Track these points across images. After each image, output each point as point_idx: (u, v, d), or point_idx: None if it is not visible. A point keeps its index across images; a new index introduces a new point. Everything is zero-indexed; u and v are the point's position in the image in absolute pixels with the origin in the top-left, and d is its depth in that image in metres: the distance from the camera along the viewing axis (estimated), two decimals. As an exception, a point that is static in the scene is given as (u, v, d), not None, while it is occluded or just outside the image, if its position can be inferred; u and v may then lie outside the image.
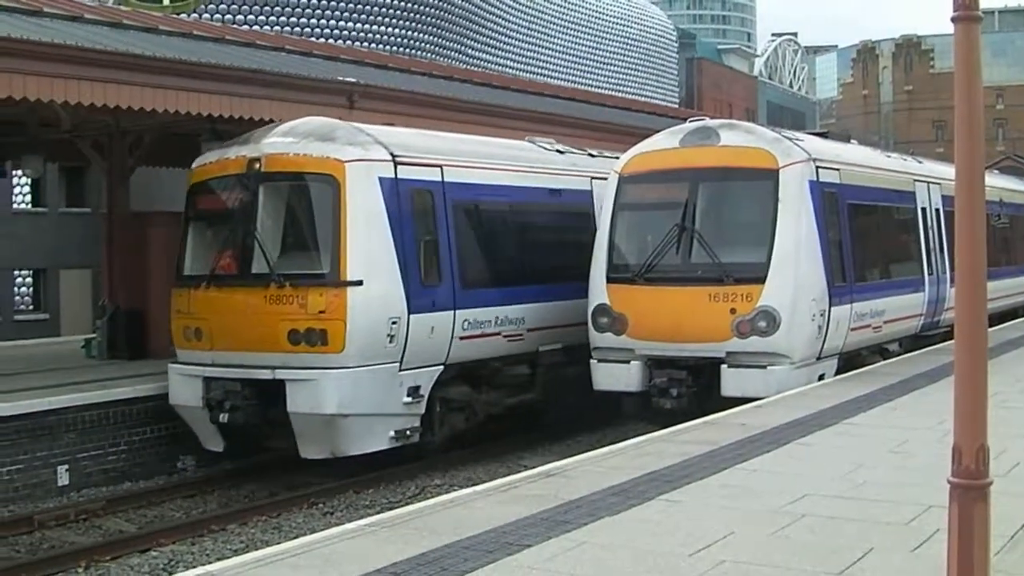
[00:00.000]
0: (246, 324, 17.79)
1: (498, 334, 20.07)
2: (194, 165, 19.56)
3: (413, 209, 18.35)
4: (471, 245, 20.00)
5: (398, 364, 17.84)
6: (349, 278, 17.29)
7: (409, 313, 17.81)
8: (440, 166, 19.17)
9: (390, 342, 17.59)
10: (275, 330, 17.43)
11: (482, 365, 20.08)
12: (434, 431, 19.12)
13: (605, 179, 21.27)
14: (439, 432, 19.27)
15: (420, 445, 18.90)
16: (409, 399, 18.15)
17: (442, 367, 18.83)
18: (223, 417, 17.87)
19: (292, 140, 18.42)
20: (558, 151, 23.18)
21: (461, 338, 19.03)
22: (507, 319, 20.24)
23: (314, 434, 17.53)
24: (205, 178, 19.25)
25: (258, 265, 17.95)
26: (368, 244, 17.58)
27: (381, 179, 17.85)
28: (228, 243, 18.70)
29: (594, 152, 24.30)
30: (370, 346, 17.43)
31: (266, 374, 17.53)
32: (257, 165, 18.18)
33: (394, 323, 17.59)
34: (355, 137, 18.26)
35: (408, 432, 18.24)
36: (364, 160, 17.84)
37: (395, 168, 18.12)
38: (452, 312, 18.81)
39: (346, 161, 17.67)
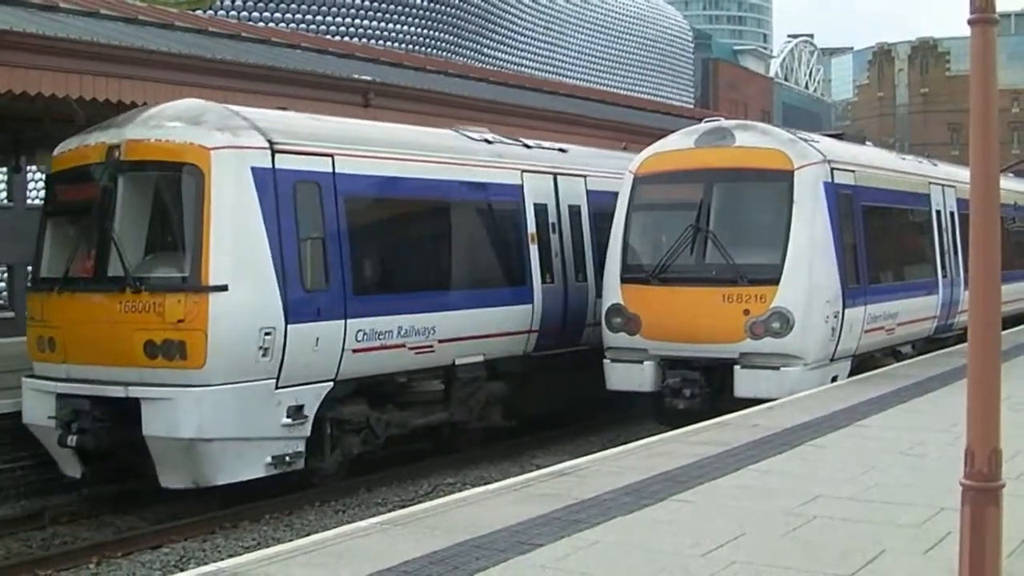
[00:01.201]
0: (100, 334, 15.70)
1: (402, 346, 17.66)
2: (55, 152, 17.51)
3: (295, 204, 16.15)
4: (368, 245, 17.70)
5: (274, 381, 15.64)
6: (211, 282, 15.11)
7: (287, 323, 15.60)
8: (331, 155, 16.97)
9: (263, 356, 15.40)
10: (130, 341, 15.30)
11: (383, 381, 17.77)
12: (324, 456, 16.95)
13: (540, 172, 21.13)
14: (331, 457, 17.08)
15: (307, 472, 16.83)
16: (289, 420, 15.90)
17: (332, 384, 16.61)
18: (71, 440, 15.64)
19: (156, 124, 16.18)
20: (486, 140, 20.87)
21: (355, 351, 16.76)
22: (413, 329, 17.83)
23: (173, 461, 15.38)
24: (63, 167, 17.18)
25: (114, 267, 15.78)
26: (236, 244, 15.45)
27: (255, 169, 15.67)
28: (84, 242, 16.53)
29: (530, 143, 22.13)
30: (237, 360, 15.25)
31: (119, 391, 15.39)
32: (116, 153, 16.07)
33: (267, 334, 15.40)
34: (226, 121, 16.09)
35: (288, 458, 16.04)
36: (234, 147, 15.67)
37: (272, 157, 15.94)
38: (343, 321, 16.57)
39: (212, 148, 15.50)
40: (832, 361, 19.09)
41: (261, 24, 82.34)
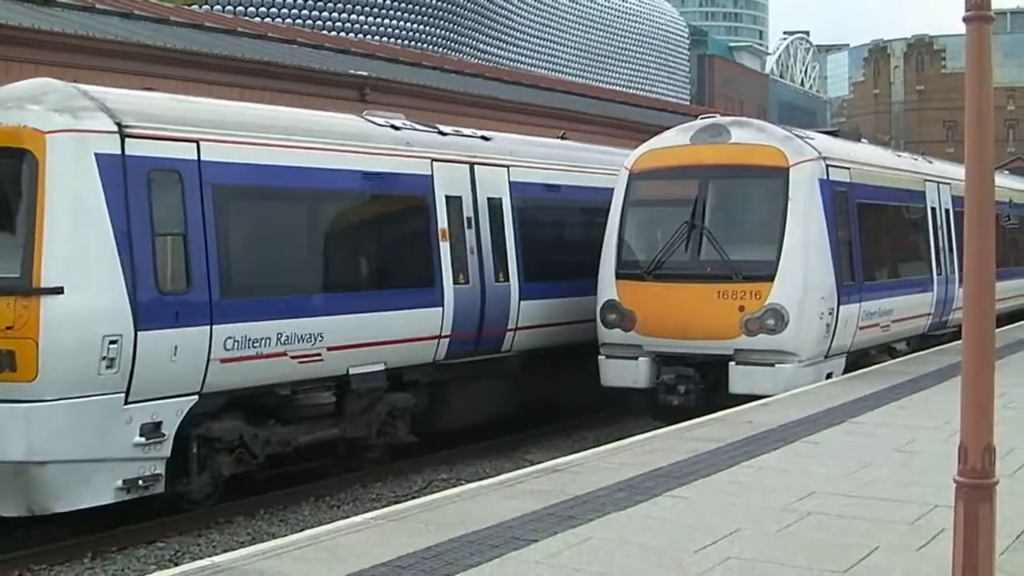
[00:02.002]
0: None
1: (283, 354, 15.63)
2: None
3: (150, 195, 14.18)
4: (241, 242, 15.61)
5: (122, 395, 13.73)
6: (44, 284, 13.19)
7: (137, 330, 13.66)
8: (196, 140, 14.93)
9: (108, 367, 13.50)
10: None
11: (262, 394, 15.80)
12: (190, 478, 15.11)
13: (453, 162, 18.92)
14: (198, 480, 15.21)
15: (172, 497, 15.06)
16: (143, 439, 14.00)
17: (197, 397, 14.71)
18: None
19: None
20: (392, 126, 18.63)
21: (224, 360, 14.81)
22: (296, 335, 15.78)
23: (4, 486, 13.45)
24: None
25: None
26: (74, 240, 13.55)
27: (100, 156, 13.72)
28: None
29: (447, 129, 19.87)
30: (75, 373, 13.32)
31: None
32: None
33: (113, 343, 13.49)
34: (68, 102, 14.05)
35: (143, 481, 14.12)
36: (74, 131, 13.69)
37: (122, 141, 13.97)
38: (207, 327, 14.64)
39: (47, 132, 13.57)
40: (827, 358, 19.10)
41: (257, 20, 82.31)
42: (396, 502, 14.14)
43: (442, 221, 18.53)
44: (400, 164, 18.13)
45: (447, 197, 18.71)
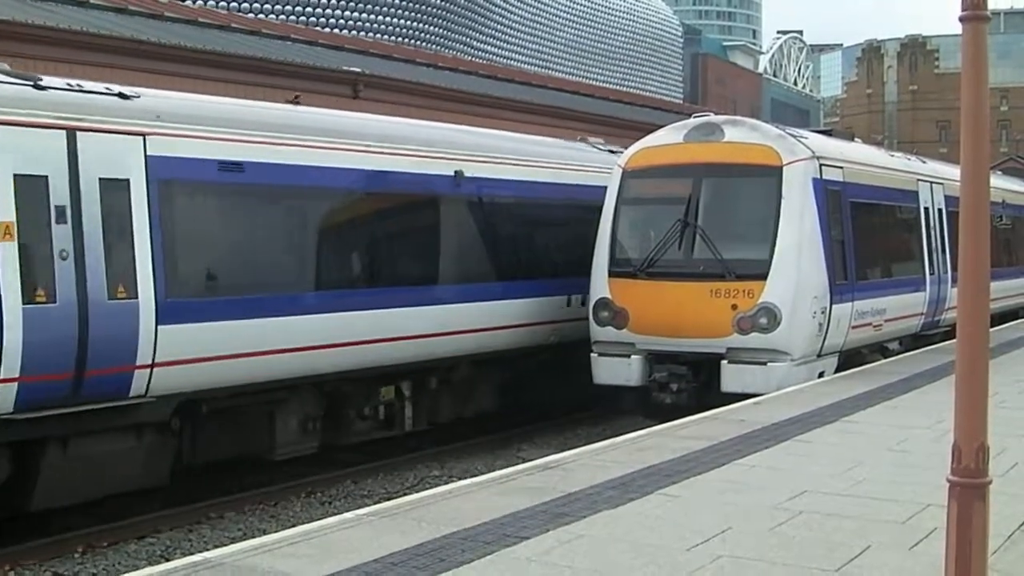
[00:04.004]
0: None
1: None
2: None
3: None
4: None
5: None
6: None
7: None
8: None
9: None
10: None
11: None
12: None
13: (32, 126, 13.28)
14: None
15: None
16: None
17: None
18: None
19: None
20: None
21: None
22: None
23: None
24: None
25: None
26: None
27: None
28: None
29: (54, 81, 14.32)
30: None
31: None
32: None
33: None
34: None
35: None
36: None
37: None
38: None
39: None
40: (819, 357, 19.12)
41: (251, 16, 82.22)
42: (388, 499, 14.15)
43: (6, 214, 12.93)
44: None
45: (18, 178, 13.08)
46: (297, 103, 18.50)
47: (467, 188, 19.29)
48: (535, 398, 21.94)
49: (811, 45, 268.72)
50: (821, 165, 19.32)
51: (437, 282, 18.78)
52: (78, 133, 13.68)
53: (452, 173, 18.94)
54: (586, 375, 19.89)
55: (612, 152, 23.35)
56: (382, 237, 18.28)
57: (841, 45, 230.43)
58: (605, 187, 20.52)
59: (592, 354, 19.67)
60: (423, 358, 18.38)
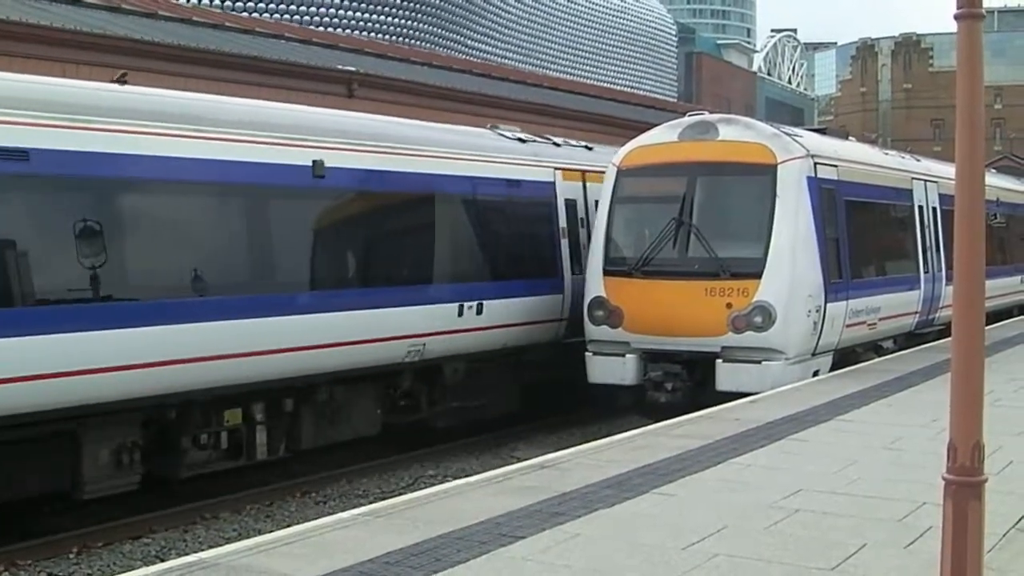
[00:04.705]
0: None
1: None
2: None
3: None
4: None
5: None
6: None
7: None
8: None
9: None
10: None
11: None
12: None
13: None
14: None
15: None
16: None
17: None
18: None
19: None
20: None
21: None
22: None
23: None
24: None
25: None
26: None
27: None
28: None
29: None
30: None
31: None
32: None
33: None
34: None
35: None
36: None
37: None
38: None
39: None
40: (814, 355, 19.13)
41: (245, 15, 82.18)
42: (383, 498, 14.15)
43: None
44: None
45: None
46: (124, 82, 15.75)
47: (330, 181, 16.71)
48: (429, 419, 19.74)
49: (805, 43, 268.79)
50: (815, 164, 19.33)
51: (286, 290, 16.12)
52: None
53: (310, 163, 16.39)
54: (490, 393, 19.83)
55: (523, 141, 21.78)
56: (216, 239, 15.43)
57: (835, 43, 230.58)
58: (514, 180, 20.27)
59: (587, 353, 19.67)
60: (271, 376, 15.89)
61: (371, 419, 18.33)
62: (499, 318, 19.78)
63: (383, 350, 17.58)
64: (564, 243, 21.86)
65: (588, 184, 22.62)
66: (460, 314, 18.90)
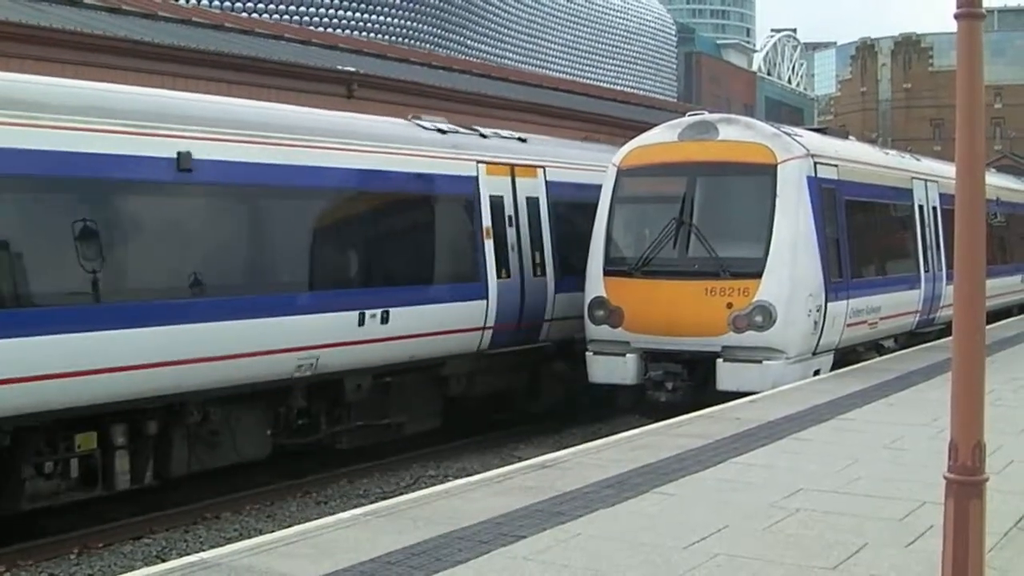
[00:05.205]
0: None
1: None
2: None
3: None
4: None
5: None
6: None
7: None
8: None
9: None
10: None
11: None
12: None
13: None
14: None
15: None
16: None
17: None
18: None
19: None
20: None
21: None
22: None
23: None
24: None
25: None
26: None
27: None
28: None
29: None
30: None
31: None
32: None
33: None
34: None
35: None
36: None
37: None
38: None
39: None
40: (814, 355, 19.13)
41: (244, 15, 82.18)
42: (384, 498, 14.14)
43: None
44: None
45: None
46: None
47: (199, 175, 14.75)
48: (330, 439, 17.98)
49: (805, 43, 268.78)
50: (816, 163, 19.33)
51: (137, 298, 14.11)
52: None
53: (174, 155, 14.47)
54: (405, 409, 18.62)
55: (442, 132, 19.68)
56: (50, 241, 13.45)
57: (835, 43, 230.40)
58: (427, 174, 18.48)
59: (588, 353, 19.67)
60: (123, 397, 14.04)
61: (258, 441, 16.42)
62: (408, 327, 17.78)
63: (264, 365, 15.61)
64: (488, 244, 19.75)
65: (518, 179, 20.88)
66: (361, 323, 17.00)
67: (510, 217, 20.50)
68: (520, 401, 22.00)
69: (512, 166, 20.84)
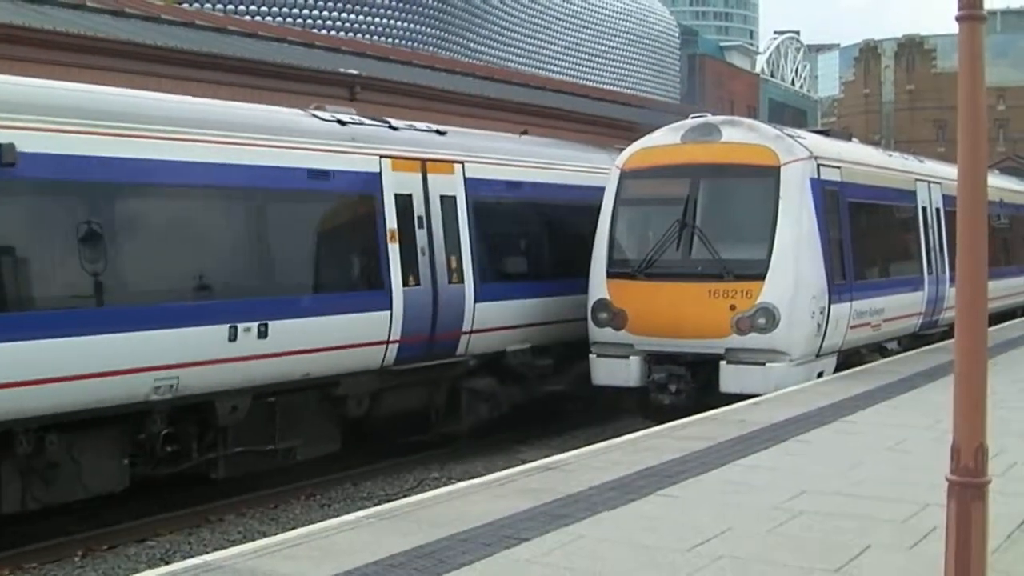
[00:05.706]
0: None
1: None
2: None
3: None
4: None
5: None
6: None
7: None
8: None
9: None
10: None
11: None
12: None
13: None
14: None
15: None
16: None
17: None
18: None
19: None
20: None
21: None
22: None
23: None
24: None
25: None
26: None
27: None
28: None
29: None
30: None
31: None
32: None
33: None
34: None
35: None
36: None
37: None
38: None
39: None
40: (818, 357, 19.12)
41: (247, 18, 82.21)
42: (387, 501, 14.13)
43: None
44: None
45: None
46: None
47: (24, 170, 12.71)
48: (201, 468, 15.88)
49: (808, 45, 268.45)
50: (819, 165, 19.33)
51: None
52: None
53: None
54: (296, 433, 16.64)
55: (342, 123, 17.72)
56: None
57: (838, 45, 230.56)
58: (317, 169, 16.62)
59: (591, 355, 19.67)
60: None
61: (111, 472, 14.28)
62: (293, 342, 15.78)
63: (110, 387, 13.63)
64: (393, 248, 17.65)
65: (431, 176, 18.68)
66: (232, 338, 14.95)
67: (420, 218, 18.35)
68: (437, 421, 19.69)
69: (423, 161, 18.68)
